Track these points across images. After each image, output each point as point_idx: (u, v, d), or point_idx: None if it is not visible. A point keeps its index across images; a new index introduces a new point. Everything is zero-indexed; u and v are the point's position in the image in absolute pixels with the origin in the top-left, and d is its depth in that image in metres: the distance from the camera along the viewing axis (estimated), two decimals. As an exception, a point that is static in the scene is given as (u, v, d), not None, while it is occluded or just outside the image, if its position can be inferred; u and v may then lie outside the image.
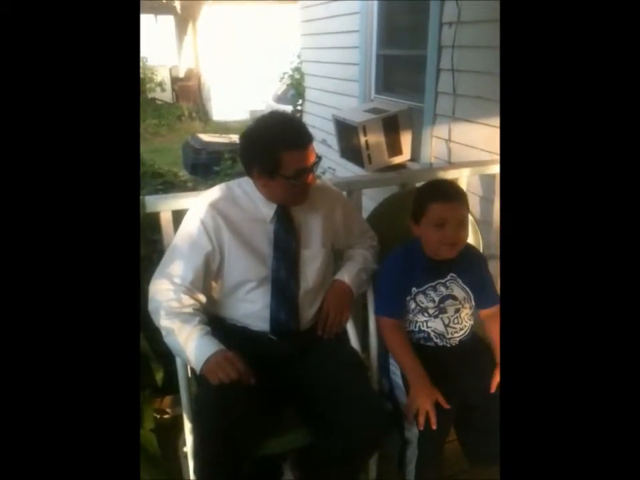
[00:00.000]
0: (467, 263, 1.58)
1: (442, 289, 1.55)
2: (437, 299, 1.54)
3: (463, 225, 1.51)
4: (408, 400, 1.45)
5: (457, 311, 1.55)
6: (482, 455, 1.53)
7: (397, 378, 1.54)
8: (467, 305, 1.57)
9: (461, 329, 1.56)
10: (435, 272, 1.55)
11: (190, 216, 1.46)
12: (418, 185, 2.12)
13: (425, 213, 1.51)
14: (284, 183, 1.39)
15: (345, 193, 1.87)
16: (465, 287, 1.57)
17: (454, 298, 1.55)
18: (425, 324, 1.56)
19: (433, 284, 1.55)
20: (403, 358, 1.51)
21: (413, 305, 1.56)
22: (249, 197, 1.48)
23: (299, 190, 1.42)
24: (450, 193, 1.51)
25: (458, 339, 1.56)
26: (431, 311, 1.54)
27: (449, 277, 1.56)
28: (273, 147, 1.36)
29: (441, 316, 1.54)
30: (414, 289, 1.55)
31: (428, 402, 1.39)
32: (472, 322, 1.59)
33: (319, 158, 1.43)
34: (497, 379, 1.47)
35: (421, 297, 1.55)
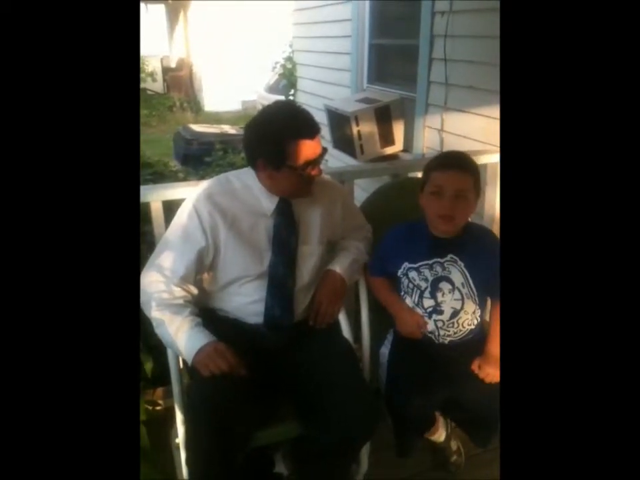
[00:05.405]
0: (474, 246, 1.47)
1: (438, 268, 1.48)
2: (430, 278, 1.48)
3: (462, 197, 1.41)
4: (397, 327, 1.57)
5: (455, 312, 1.48)
6: (477, 442, 1.68)
7: (383, 358, 1.57)
8: (465, 295, 1.47)
9: (455, 333, 1.51)
10: (433, 250, 1.49)
11: (185, 208, 1.42)
12: (410, 175, 2.13)
13: (426, 182, 1.47)
14: (290, 174, 1.35)
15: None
16: (464, 271, 1.46)
17: (449, 281, 1.47)
18: (417, 306, 1.52)
19: (430, 262, 1.48)
20: (385, 295, 1.60)
21: (405, 282, 1.53)
22: (249, 190, 1.44)
23: (305, 181, 1.39)
24: (452, 162, 1.44)
25: (448, 340, 1.52)
26: (423, 292, 1.49)
27: (447, 258, 1.47)
28: (279, 136, 1.32)
29: (435, 315, 1.49)
30: (405, 264, 1.51)
31: (411, 325, 1.52)
32: (471, 327, 1.51)
33: (325, 149, 1.39)
34: (487, 371, 1.45)
35: (413, 274, 1.50)
